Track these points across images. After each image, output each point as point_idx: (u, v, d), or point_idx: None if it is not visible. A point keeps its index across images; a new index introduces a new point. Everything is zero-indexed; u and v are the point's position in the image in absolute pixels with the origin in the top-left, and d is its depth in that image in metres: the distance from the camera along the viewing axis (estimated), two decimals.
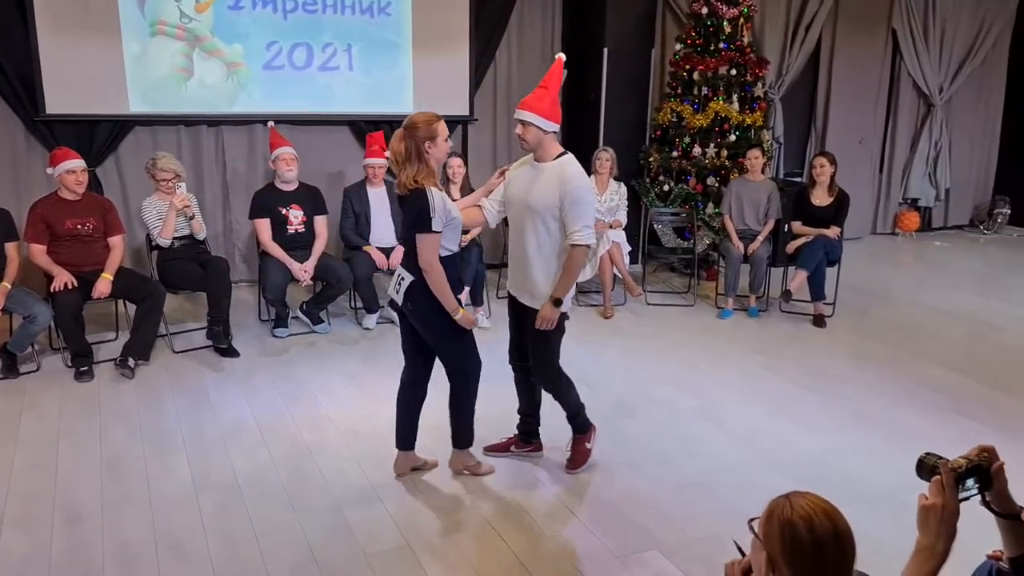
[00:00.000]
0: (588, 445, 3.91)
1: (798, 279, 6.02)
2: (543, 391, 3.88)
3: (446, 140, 3.34)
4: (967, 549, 1.75)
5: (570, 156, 3.50)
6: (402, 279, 3.42)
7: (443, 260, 3.35)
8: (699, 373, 5.07)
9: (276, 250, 5.46)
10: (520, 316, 3.75)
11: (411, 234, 3.31)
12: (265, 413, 4.40)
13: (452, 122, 7.07)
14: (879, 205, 9.24)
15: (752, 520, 1.68)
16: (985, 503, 1.78)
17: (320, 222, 5.67)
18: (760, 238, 6.23)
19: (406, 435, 3.79)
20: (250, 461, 3.87)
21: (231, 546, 3.18)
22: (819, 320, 6.07)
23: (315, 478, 3.73)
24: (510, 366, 3.95)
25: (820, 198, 6.24)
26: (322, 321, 5.72)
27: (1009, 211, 9.41)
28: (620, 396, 4.72)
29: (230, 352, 5.19)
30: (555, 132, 3.46)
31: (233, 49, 6.37)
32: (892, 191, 9.21)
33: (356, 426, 4.27)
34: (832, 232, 6.12)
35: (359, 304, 5.93)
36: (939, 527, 1.65)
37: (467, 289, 5.85)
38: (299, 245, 5.57)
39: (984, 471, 1.72)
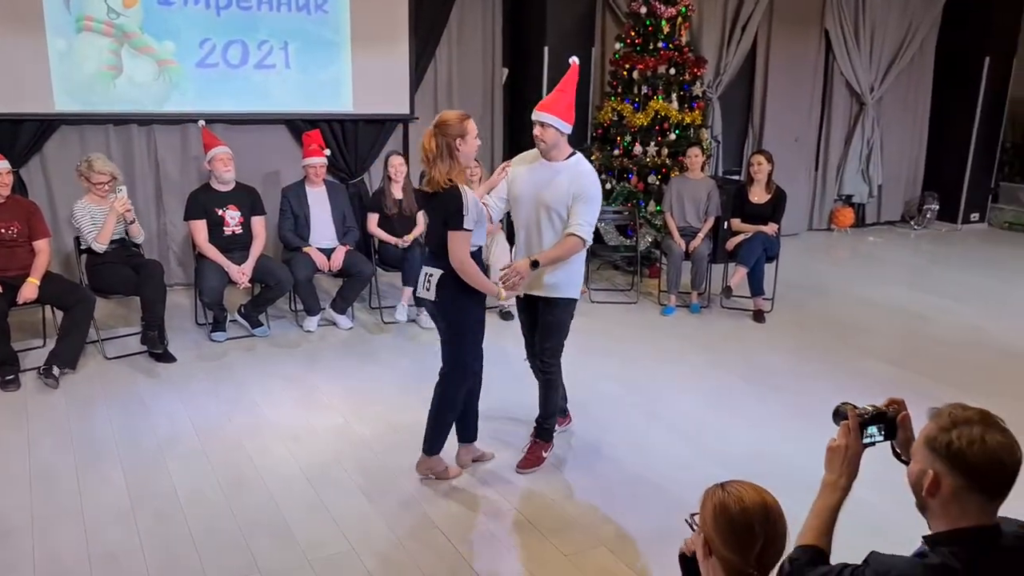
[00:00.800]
0: (545, 454, 3.92)
1: (738, 275, 6.11)
2: (545, 386, 3.87)
3: (475, 138, 3.40)
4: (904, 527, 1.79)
5: (581, 155, 3.66)
6: (430, 276, 3.46)
7: (471, 255, 3.41)
8: (643, 370, 5.11)
9: (213, 252, 5.32)
10: (534, 313, 3.81)
11: (443, 231, 3.34)
12: (203, 419, 4.28)
13: (392, 121, 7.03)
14: (815, 202, 9.45)
15: (693, 515, 1.79)
16: (896, 455, 1.93)
17: (258, 223, 5.54)
18: (701, 235, 6.30)
19: (464, 428, 3.82)
20: (189, 470, 3.76)
21: (170, 558, 3.08)
22: (759, 315, 6.17)
23: (256, 485, 3.64)
24: (532, 370, 3.95)
25: (758, 195, 6.35)
26: (261, 324, 5.60)
27: (937, 207, 9.72)
28: (568, 395, 4.71)
29: (166, 357, 5.04)
30: (569, 133, 3.62)
31: (164, 46, 6.18)
32: (827, 188, 9.43)
33: (298, 431, 4.18)
34: (770, 229, 6.23)
35: (299, 306, 5.82)
36: (842, 466, 1.87)
37: (410, 290, 5.80)
38: (236, 247, 5.44)
39: (889, 420, 1.90)
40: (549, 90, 7.10)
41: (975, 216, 9.86)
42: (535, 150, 3.69)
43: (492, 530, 3.34)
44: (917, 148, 9.90)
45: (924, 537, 1.68)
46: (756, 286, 6.17)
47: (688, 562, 1.85)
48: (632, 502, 3.57)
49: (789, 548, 1.77)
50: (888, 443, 1.92)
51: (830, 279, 7.51)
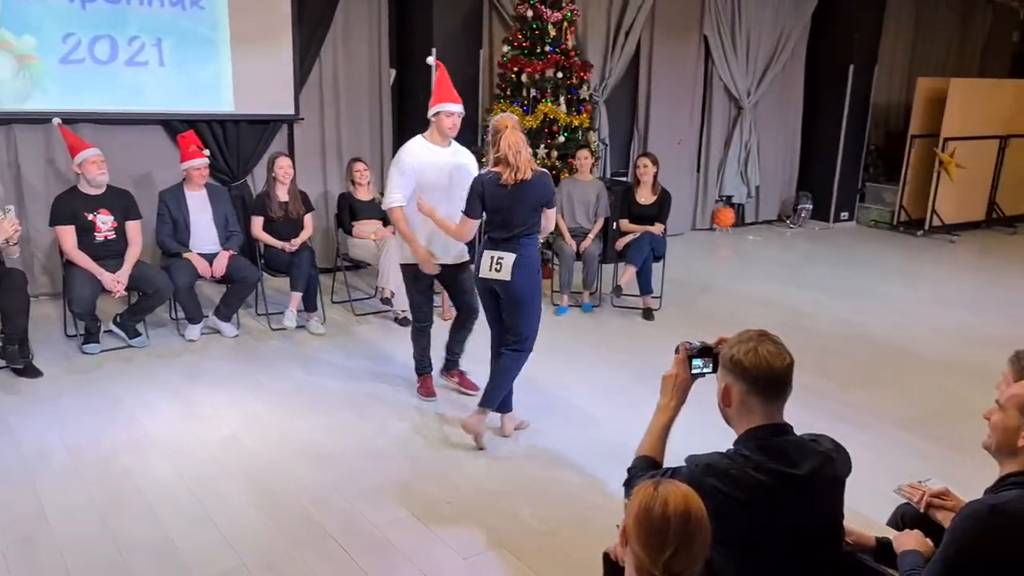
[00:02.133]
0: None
1: (627, 274, 6.23)
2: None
3: None
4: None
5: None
6: (501, 259, 3.89)
7: None
8: (538, 369, 5.11)
9: (83, 259, 5.00)
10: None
11: (529, 214, 3.87)
12: (76, 437, 4.01)
13: (277, 121, 6.81)
14: (698, 202, 9.75)
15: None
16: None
17: (133, 228, 5.25)
18: (591, 236, 6.39)
19: (506, 399, 4.13)
20: (60, 490, 3.50)
21: None
22: (648, 313, 6.31)
23: (136, 503, 3.44)
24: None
25: (645, 197, 6.49)
26: (139, 334, 5.31)
27: (811, 206, 10.20)
28: (464, 398, 4.68)
29: (29, 372, 4.70)
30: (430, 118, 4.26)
31: (24, 41, 5.77)
32: (709, 189, 9.75)
33: (181, 444, 3.98)
34: (657, 229, 6.37)
35: (181, 314, 5.55)
36: (673, 390, 2.31)
37: (299, 295, 5.63)
38: (110, 253, 5.14)
39: (715, 355, 2.21)
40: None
41: (845, 215, 10.41)
42: (419, 141, 4.24)
43: (388, 537, 3.26)
44: (791, 151, 10.37)
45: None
46: (645, 285, 6.30)
47: (612, 562, 1.86)
48: (529, 501, 3.56)
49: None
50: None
51: (714, 277, 7.76)
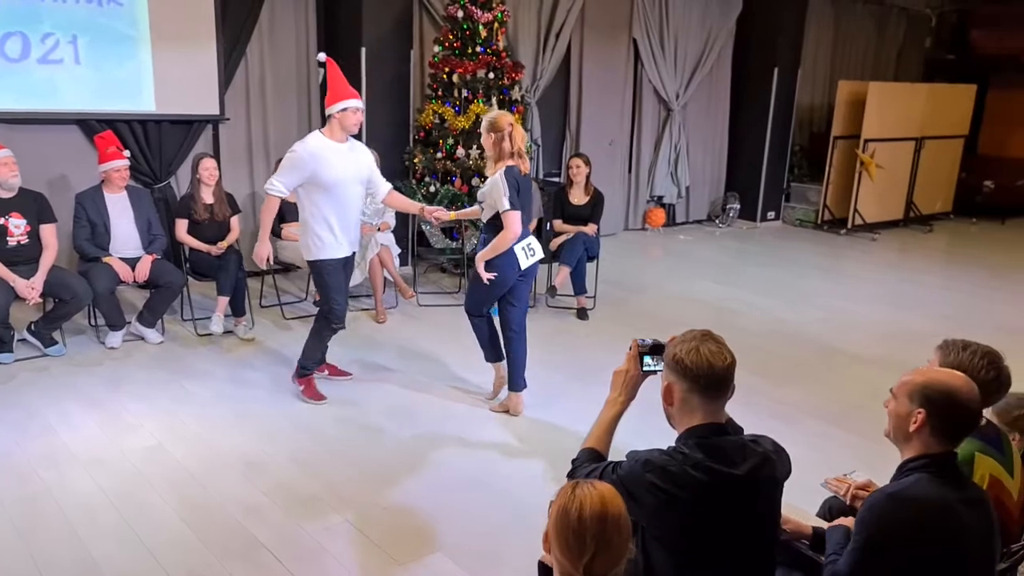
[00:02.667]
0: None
1: (561, 275, 6.25)
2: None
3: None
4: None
5: None
6: (531, 243, 4.26)
7: None
8: (472, 370, 5.09)
9: None
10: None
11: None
12: None
13: (201, 121, 6.62)
14: (630, 203, 9.86)
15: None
16: None
17: (48, 232, 5.03)
18: None
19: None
20: None
21: None
22: (582, 313, 6.34)
23: (55, 518, 3.28)
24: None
25: (577, 197, 6.52)
26: (56, 342, 5.09)
27: (739, 206, 10.42)
28: (397, 401, 4.62)
29: None
30: (331, 115, 4.25)
31: None
32: (640, 189, 9.87)
33: (102, 456, 3.82)
34: (590, 229, 6.41)
35: (101, 321, 5.33)
36: (623, 386, 2.33)
37: (226, 300, 5.48)
38: (23, 259, 4.91)
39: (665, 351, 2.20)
40: (368, 91, 6.99)
41: (771, 214, 10.67)
42: (318, 137, 4.23)
43: (322, 544, 3.19)
44: (719, 152, 10.57)
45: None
46: (579, 285, 6.33)
47: (548, 569, 1.84)
48: (466, 504, 3.53)
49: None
50: None
51: (646, 276, 7.85)
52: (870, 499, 2.05)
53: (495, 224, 4.17)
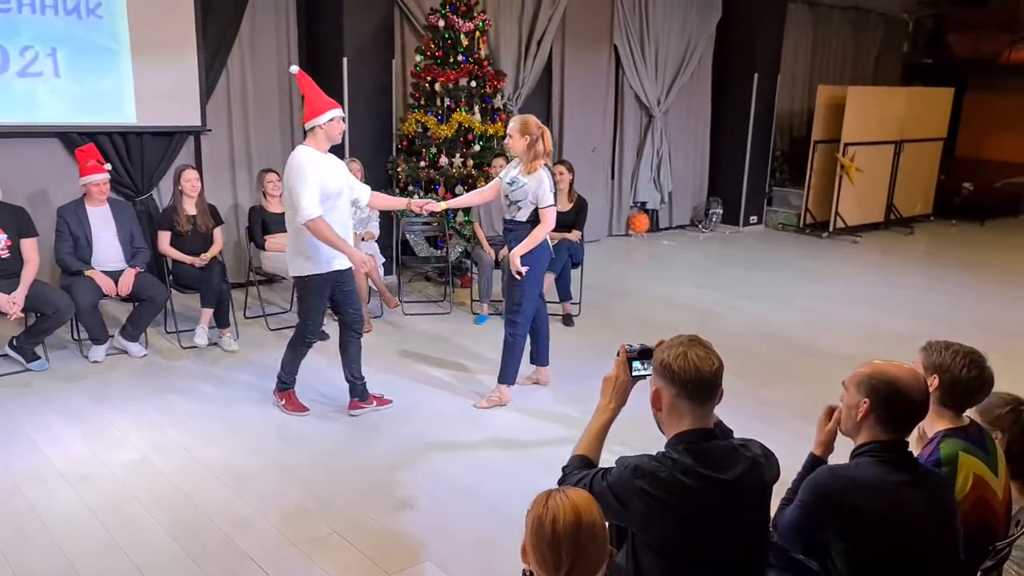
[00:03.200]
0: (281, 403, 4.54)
1: (547, 281, 6.24)
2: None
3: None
4: None
5: None
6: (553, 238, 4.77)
7: None
8: (460, 379, 5.10)
9: None
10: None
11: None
12: None
13: (183, 133, 6.59)
14: (613, 209, 9.90)
15: None
16: None
17: (29, 246, 4.99)
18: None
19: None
20: None
21: None
22: (568, 319, 6.35)
23: (39, 535, 3.25)
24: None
25: (561, 204, 6.51)
26: (38, 357, 5.04)
27: (721, 211, 10.49)
28: (383, 411, 4.61)
29: None
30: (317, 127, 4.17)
31: None
32: (623, 195, 9.91)
33: (88, 471, 3.79)
34: (574, 236, 6.43)
35: (84, 335, 5.29)
36: (613, 392, 2.31)
37: (210, 311, 5.45)
38: (4, 273, 4.87)
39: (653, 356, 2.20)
40: (350, 101, 6.99)
41: (754, 218, 10.73)
42: (309, 150, 4.12)
43: (311, 556, 3.17)
44: (701, 157, 10.63)
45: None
46: (564, 291, 6.34)
47: None
48: (456, 513, 3.52)
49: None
50: None
51: (631, 281, 7.88)
52: (817, 470, 2.20)
53: (534, 220, 4.44)
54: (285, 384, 4.55)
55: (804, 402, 4.82)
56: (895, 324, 6.50)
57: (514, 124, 4.41)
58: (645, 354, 2.26)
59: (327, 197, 4.12)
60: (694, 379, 1.99)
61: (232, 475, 3.80)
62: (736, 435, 2.16)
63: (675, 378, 2.01)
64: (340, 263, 4.27)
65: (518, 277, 4.51)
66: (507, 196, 4.53)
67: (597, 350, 5.70)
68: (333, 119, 4.15)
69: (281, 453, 4.06)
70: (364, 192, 4.54)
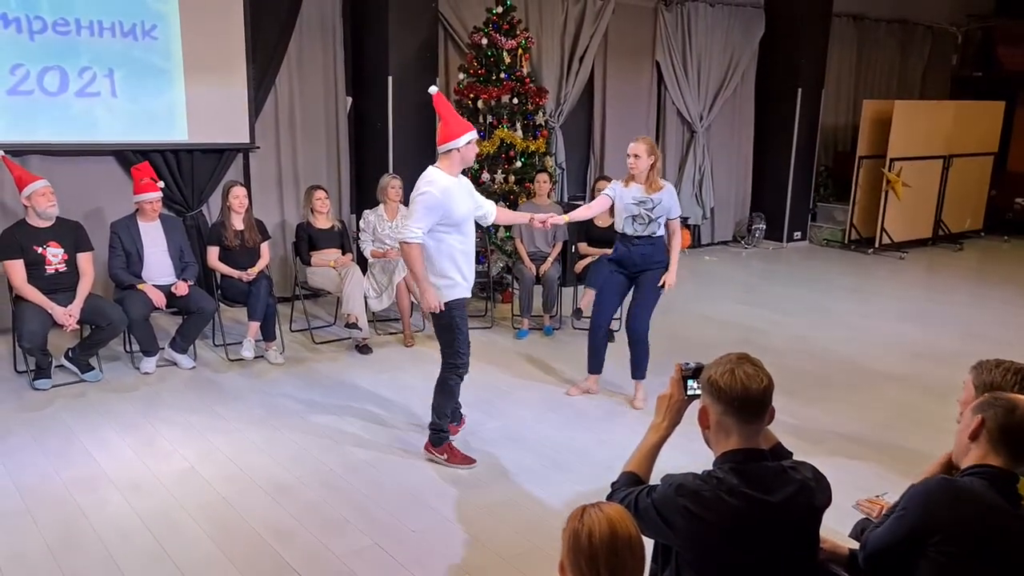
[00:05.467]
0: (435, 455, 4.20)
1: (587, 297, 6.25)
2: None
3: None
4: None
5: None
6: None
7: None
8: (501, 393, 5.12)
9: (33, 293, 4.89)
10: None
11: None
12: (26, 476, 3.89)
13: (232, 150, 6.76)
14: None
15: None
16: None
17: (84, 260, 5.16)
18: (550, 260, 6.44)
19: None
20: (8, 533, 3.40)
21: None
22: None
23: (90, 542, 3.35)
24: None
25: (603, 220, 6.55)
26: (92, 368, 5.20)
27: (764, 226, 10.40)
28: (425, 423, 4.65)
29: None
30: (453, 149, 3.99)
31: None
32: None
33: (139, 481, 3.89)
34: None
35: (135, 347, 5.44)
36: (666, 411, 2.28)
37: (257, 325, 5.56)
38: (61, 287, 5.04)
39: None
40: (395, 119, 7.11)
41: (798, 234, 10.63)
42: (441, 173, 3.95)
43: (352, 567, 3.22)
44: (744, 173, 10.57)
45: None
46: None
47: None
48: (495, 527, 3.54)
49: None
50: None
51: (672, 297, 7.80)
52: (924, 480, 2.08)
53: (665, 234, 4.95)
54: (441, 433, 4.17)
55: (847, 420, 4.75)
56: (943, 342, 6.37)
57: (642, 145, 4.73)
58: (699, 372, 2.21)
59: (455, 223, 3.98)
60: (740, 397, 1.97)
61: (275, 485, 3.87)
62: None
63: (721, 395, 1.99)
64: (466, 289, 4.11)
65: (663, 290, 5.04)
66: (637, 215, 4.90)
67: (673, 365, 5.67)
68: (471, 142, 4.00)
69: (323, 464, 4.13)
70: (491, 209, 4.35)
